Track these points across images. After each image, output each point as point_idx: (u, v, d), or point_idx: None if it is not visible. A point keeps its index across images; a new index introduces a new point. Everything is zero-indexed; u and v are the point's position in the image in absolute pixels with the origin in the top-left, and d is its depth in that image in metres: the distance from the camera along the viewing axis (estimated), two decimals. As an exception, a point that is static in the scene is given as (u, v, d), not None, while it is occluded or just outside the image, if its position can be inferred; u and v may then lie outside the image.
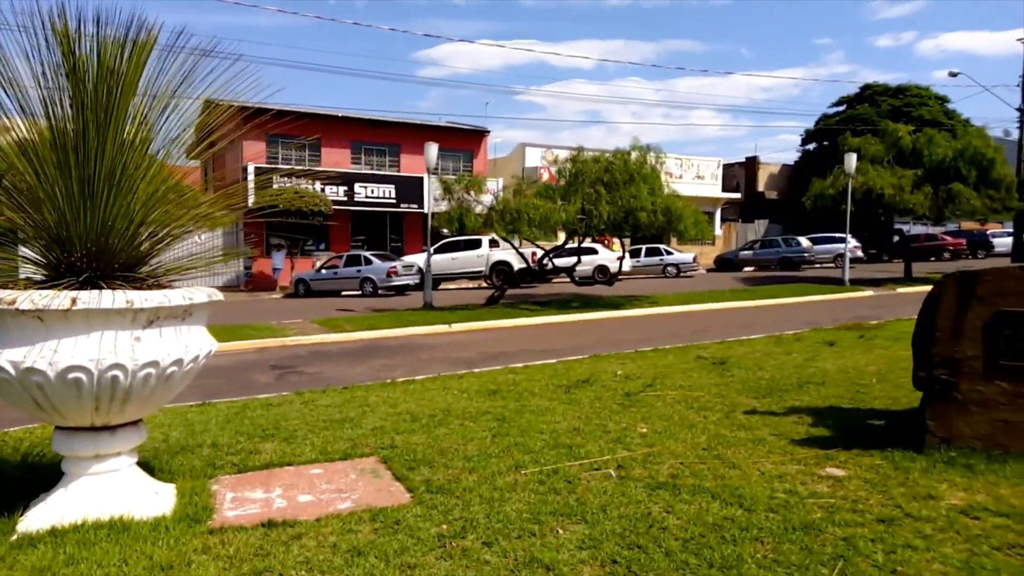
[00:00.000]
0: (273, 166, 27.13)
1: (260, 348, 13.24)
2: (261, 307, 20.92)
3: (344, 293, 24.19)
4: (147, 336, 3.53)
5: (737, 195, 40.34)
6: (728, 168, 42.50)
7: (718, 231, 39.59)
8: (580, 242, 21.11)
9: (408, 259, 25.30)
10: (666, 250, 30.37)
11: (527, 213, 16.79)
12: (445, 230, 20.51)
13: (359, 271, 23.57)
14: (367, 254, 24.18)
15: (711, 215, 38.92)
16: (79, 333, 3.36)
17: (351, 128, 28.83)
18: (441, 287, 26.35)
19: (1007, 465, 4.27)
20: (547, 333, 14.18)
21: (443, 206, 18.43)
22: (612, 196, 17.32)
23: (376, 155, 29.58)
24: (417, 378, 8.30)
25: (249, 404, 6.90)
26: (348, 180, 27.61)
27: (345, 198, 27.58)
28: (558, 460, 4.70)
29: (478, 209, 18.00)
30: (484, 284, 25.58)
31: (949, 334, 4.57)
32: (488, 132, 31.81)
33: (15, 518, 3.60)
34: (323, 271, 24.59)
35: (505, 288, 19.42)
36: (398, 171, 29.75)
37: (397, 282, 23.17)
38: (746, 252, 33.86)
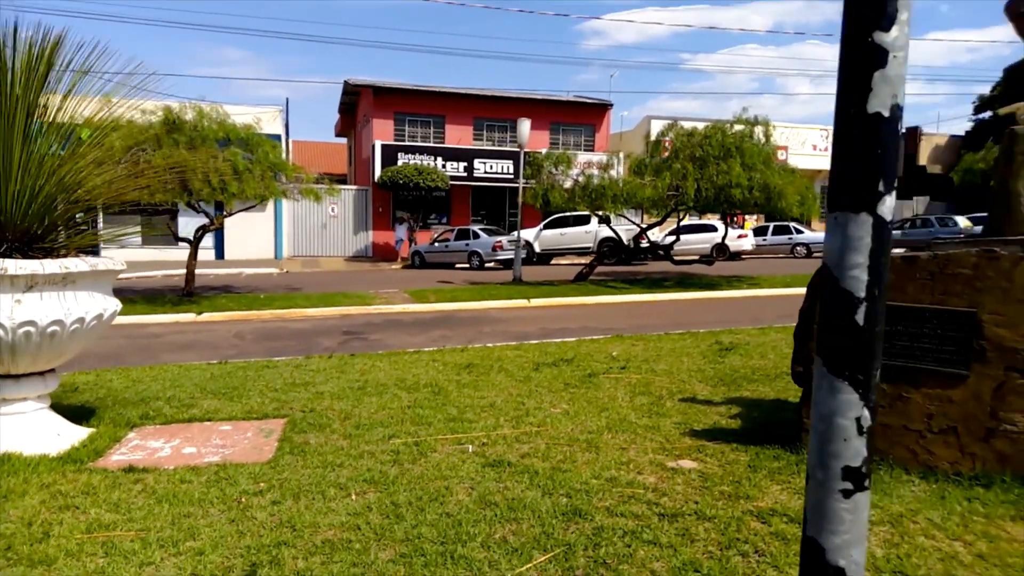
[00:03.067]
0: (399, 143, 28.51)
1: (344, 315, 14.19)
2: (373, 276, 22.25)
3: (457, 266, 25.09)
4: (27, 299, 4.13)
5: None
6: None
7: (867, 208, 36.56)
8: (680, 219, 20.50)
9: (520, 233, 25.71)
10: (796, 228, 28.62)
11: (611, 190, 16.60)
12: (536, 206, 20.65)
13: (467, 244, 24.34)
14: (476, 228, 24.87)
15: (859, 191, 36.04)
16: (-37, 295, 4.01)
17: (474, 105, 29.52)
18: (552, 263, 26.60)
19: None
20: (617, 312, 14.06)
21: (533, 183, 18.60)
22: (703, 172, 16.68)
23: (498, 131, 30.11)
24: (426, 349, 8.70)
25: (252, 365, 7.60)
26: (468, 156, 28.40)
27: (465, 174, 28.42)
28: (440, 432, 4.89)
29: (567, 184, 17.99)
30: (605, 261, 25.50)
31: (827, 328, 4.22)
32: (611, 106, 31.34)
33: (-62, 446, 4.38)
34: (436, 244, 25.62)
35: (595, 265, 19.31)
36: (518, 147, 30.09)
37: (502, 256, 23.68)
38: (895, 232, 30.93)
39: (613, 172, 17.74)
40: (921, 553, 3.04)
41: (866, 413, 1.09)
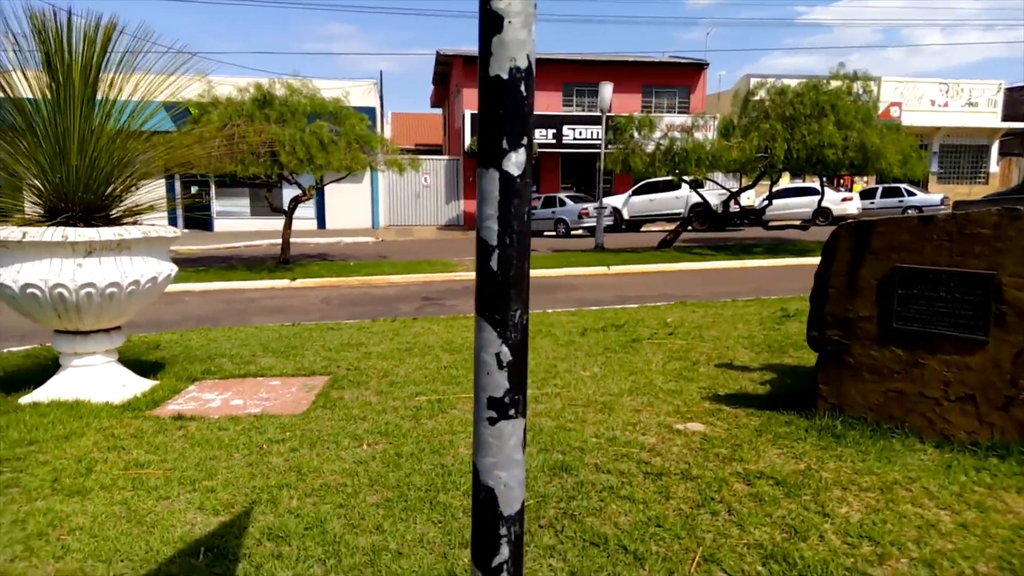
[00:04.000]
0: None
1: (426, 282, 14.67)
2: (461, 245, 22.70)
3: (545, 233, 25.19)
4: (87, 263, 4.61)
5: (1021, 125, 33.84)
6: (1016, 93, 35.73)
7: (994, 168, 33.82)
8: (773, 182, 19.73)
9: (606, 201, 25.48)
10: (907, 191, 26.82)
11: (694, 153, 16.17)
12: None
13: (553, 212, 24.38)
14: (562, 195, 24.85)
15: (984, 149, 33.37)
16: (32, 259, 4.52)
17: (562, 70, 29.24)
18: (643, 230, 26.23)
19: (880, 441, 3.82)
20: (696, 279, 13.82)
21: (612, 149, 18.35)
22: (793, 132, 15.96)
23: (587, 96, 29.72)
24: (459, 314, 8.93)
25: (318, 327, 8.07)
26: (556, 123, 28.25)
27: (553, 141, 28.31)
28: (465, 391, 5.09)
29: (650, 148, 17.65)
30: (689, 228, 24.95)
31: (843, 291, 4.09)
32: (706, 65, 30.25)
33: (22, 392, 4.98)
34: (523, 212, 25.72)
35: (680, 232, 18.92)
36: (610, 111, 29.64)
37: (588, 223, 23.56)
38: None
39: (699, 135, 17.26)
40: (899, 520, 2.97)
41: (505, 349, 1.18)
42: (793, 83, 16.87)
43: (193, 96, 15.75)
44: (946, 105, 31.75)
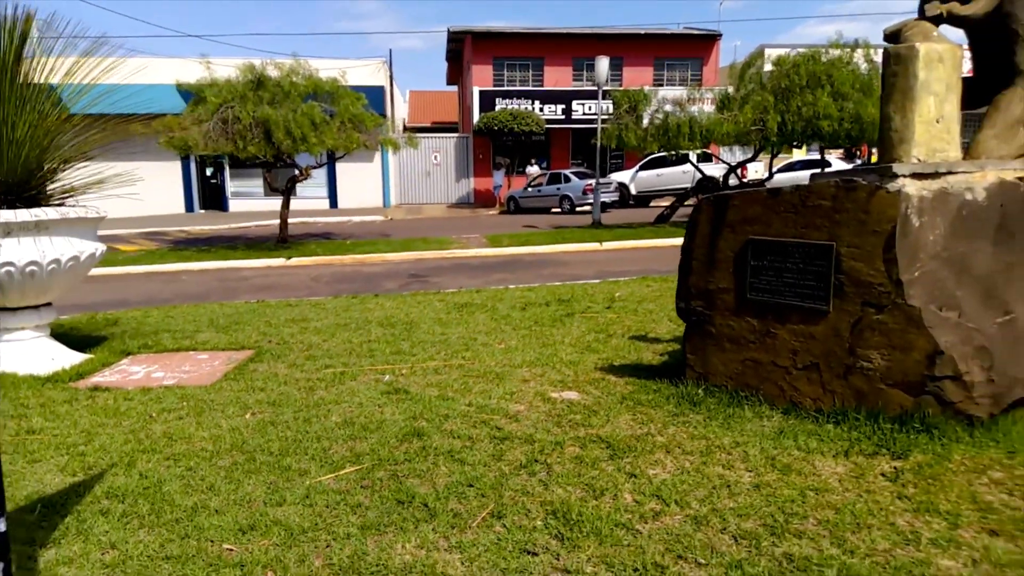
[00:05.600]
0: (497, 88, 28.69)
1: (418, 259, 14.89)
2: (466, 222, 22.89)
3: (553, 210, 25.22)
4: (6, 243, 4.89)
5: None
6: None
7: None
8: (774, 155, 19.48)
9: (613, 176, 25.42)
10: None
11: (685, 127, 16.06)
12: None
13: (559, 188, 24.39)
14: (568, 172, 24.81)
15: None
16: (-47, 241, 4.81)
17: (573, 44, 29.04)
18: (651, 205, 26.08)
19: (732, 408, 3.92)
20: (680, 253, 13.80)
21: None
22: (788, 104, 15.74)
23: (597, 70, 29.42)
24: (449, 290, 9.13)
25: (278, 303, 8.34)
26: (566, 98, 28.13)
27: (563, 116, 28.22)
28: (376, 363, 5.30)
29: (645, 122, 17.55)
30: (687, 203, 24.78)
31: (704, 263, 4.17)
32: (719, 36, 29.74)
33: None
34: (529, 189, 25.81)
35: (677, 207, 18.85)
36: (620, 85, 29.43)
37: (593, 199, 23.49)
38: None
39: (695, 108, 17.11)
40: (699, 481, 3.10)
41: None
42: (785, 52, 16.59)
43: (195, 79, 16.18)
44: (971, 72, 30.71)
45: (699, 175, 23.96)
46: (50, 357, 5.36)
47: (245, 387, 4.80)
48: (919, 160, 3.58)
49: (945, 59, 3.57)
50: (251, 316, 7.44)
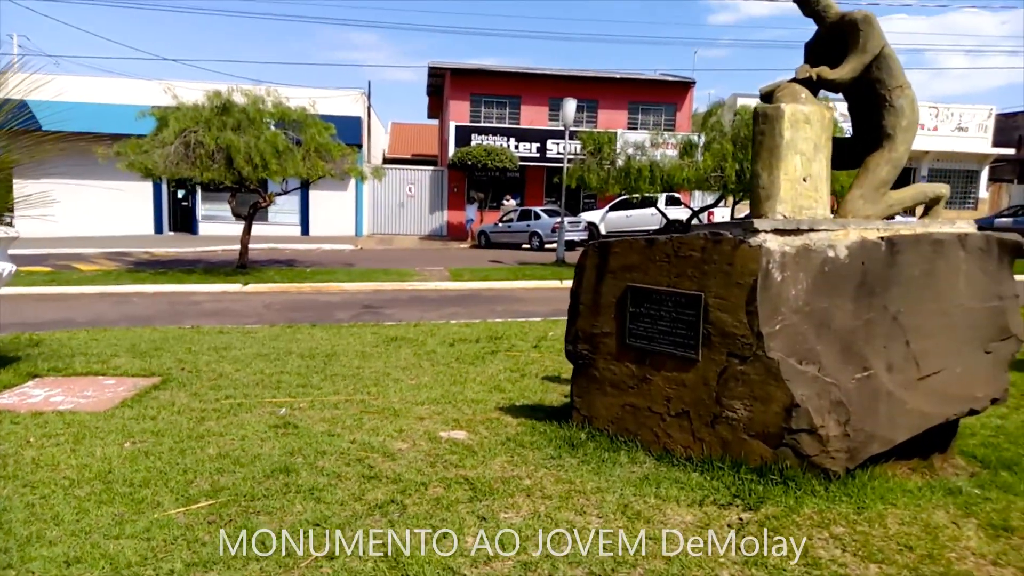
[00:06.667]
0: (474, 124, 29.01)
1: (376, 290, 14.86)
2: (434, 254, 22.92)
3: (523, 246, 25.35)
4: (-95, 262, 4.85)
5: (1011, 151, 33.52)
6: (1009, 119, 35.47)
7: (983, 193, 33.56)
8: (736, 201, 19.80)
9: (584, 216, 25.66)
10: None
11: (646, 171, 16.31)
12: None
13: (528, 225, 24.56)
14: (538, 209, 25.02)
15: (973, 174, 33.14)
16: None
17: (550, 85, 29.48)
18: (620, 244, 26.26)
19: (608, 453, 3.94)
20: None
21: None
22: (746, 153, 16.05)
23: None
24: (389, 323, 9.13)
25: (209, 330, 8.28)
26: (541, 137, 28.48)
27: (537, 154, 28.53)
28: (279, 395, 5.27)
29: (619, 164, 17.79)
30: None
31: (590, 307, 4.23)
32: (693, 84, 30.35)
33: None
34: (500, 224, 25.97)
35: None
36: (595, 127, 29.89)
37: (564, 237, 23.66)
38: (1003, 219, 28.12)
39: (659, 152, 17.40)
40: (546, 524, 3.10)
41: None
42: (746, 103, 16.97)
43: (163, 102, 16.25)
44: (936, 129, 31.56)
45: (670, 217, 24.34)
46: (-53, 377, 5.28)
47: (137, 415, 4.75)
48: (784, 217, 3.67)
49: (812, 120, 3.68)
50: (176, 342, 7.38)
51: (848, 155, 4.11)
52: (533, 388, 5.55)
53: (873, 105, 3.93)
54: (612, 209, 25.91)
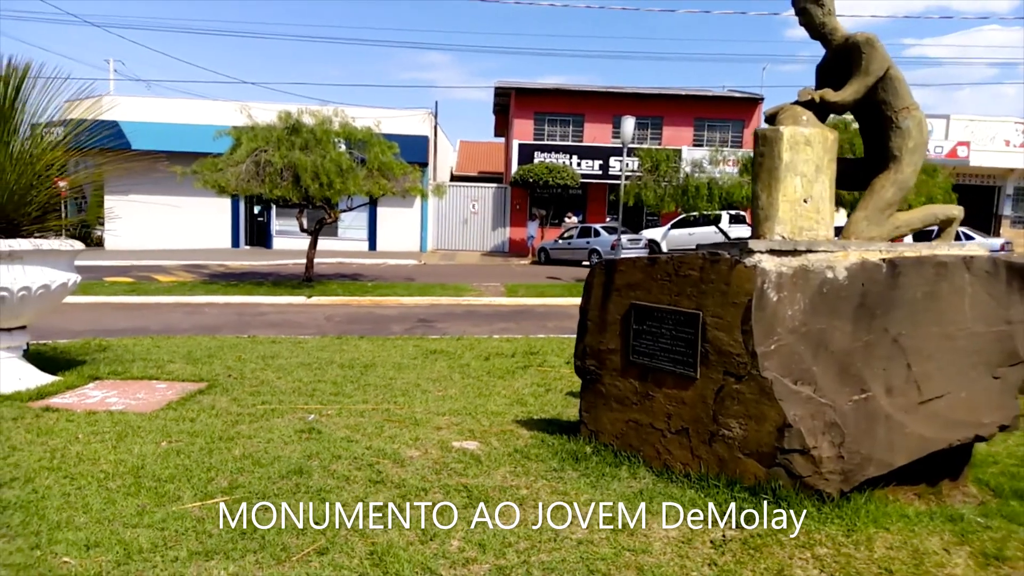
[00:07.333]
0: (537, 142, 29.33)
1: (432, 304, 15.24)
2: (494, 270, 23.25)
3: (584, 263, 25.42)
4: (-22, 272, 5.36)
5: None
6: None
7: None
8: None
9: (645, 233, 25.56)
10: (965, 234, 25.52)
11: (703, 188, 16.19)
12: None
13: (588, 242, 24.61)
14: (598, 226, 25.04)
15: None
16: (-67, 266, 5.31)
17: (614, 103, 29.54)
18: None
19: (610, 468, 4.02)
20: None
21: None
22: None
23: (637, 128, 29.76)
24: (432, 336, 9.40)
25: (258, 339, 8.72)
26: (603, 154, 28.55)
27: (600, 172, 28.60)
28: (313, 402, 5.55)
29: (675, 182, 17.74)
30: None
31: (597, 324, 4.32)
32: (761, 100, 29.88)
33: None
34: (560, 241, 26.11)
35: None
36: (659, 144, 29.76)
37: (621, 254, 23.63)
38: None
39: (718, 170, 17.25)
40: (532, 532, 3.22)
41: None
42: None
43: (240, 122, 17.14)
44: (1022, 145, 30.05)
45: (733, 235, 23.96)
46: (17, 377, 5.77)
47: (178, 416, 5.09)
48: (783, 237, 3.70)
49: (813, 142, 3.71)
50: (229, 350, 7.81)
51: (858, 176, 4.09)
52: (554, 403, 5.66)
53: (880, 126, 3.91)
54: (674, 227, 25.69)
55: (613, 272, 4.20)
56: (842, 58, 3.92)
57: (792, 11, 4.15)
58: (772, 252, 3.57)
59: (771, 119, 3.91)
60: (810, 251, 3.60)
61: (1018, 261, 3.73)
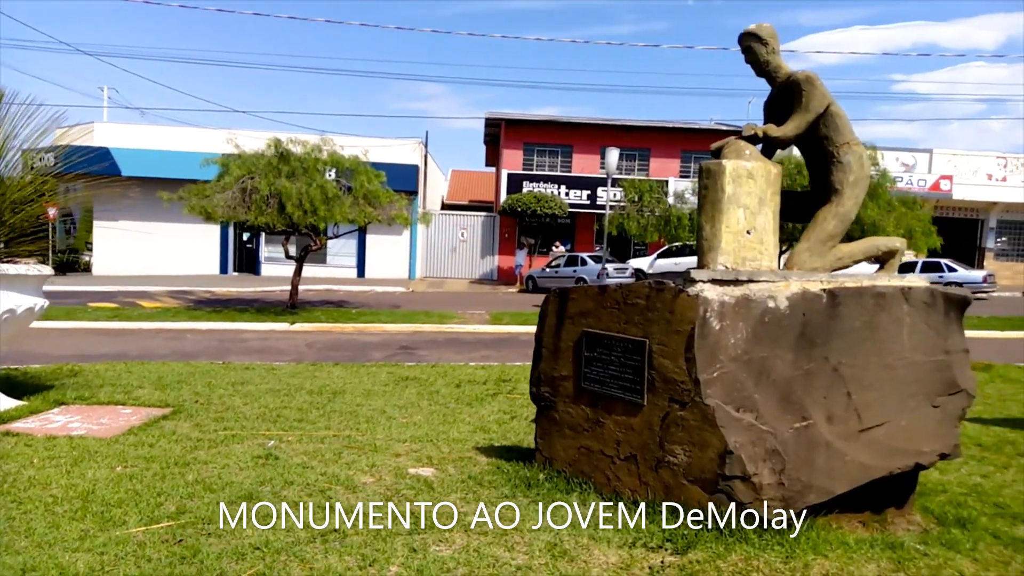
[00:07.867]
0: (526, 172, 29.60)
1: (415, 331, 15.24)
2: (480, 298, 23.30)
3: (571, 292, 25.53)
4: (-53, 295, 5.38)
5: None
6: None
7: (1061, 245, 32.09)
8: (782, 251, 19.50)
9: (631, 262, 25.72)
10: (948, 266, 25.80)
11: (684, 218, 16.35)
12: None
13: (575, 271, 24.74)
14: (584, 255, 25.20)
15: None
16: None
17: (602, 134, 29.93)
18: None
19: (560, 495, 4.04)
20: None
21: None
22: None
23: (625, 159, 30.17)
24: (408, 364, 9.42)
25: (231, 365, 8.71)
26: (591, 184, 28.82)
27: (588, 202, 28.85)
28: (276, 429, 5.55)
29: (657, 212, 17.93)
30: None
31: (551, 351, 4.37)
32: (747, 133, 30.27)
33: None
34: (547, 269, 26.25)
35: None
36: (647, 175, 30.08)
37: (607, 282, 23.75)
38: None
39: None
40: (471, 559, 3.22)
41: None
42: (790, 153, 16.89)
43: (229, 150, 17.27)
44: (1004, 179, 30.49)
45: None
46: (-20, 402, 5.77)
47: (137, 442, 5.09)
48: (726, 267, 3.77)
49: (756, 176, 3.80)
50: (200, 376, 7.80)
51: (803, 209, 4.18)
52: (517, 430, 5.68)
53: (823, 161, 4.01)
54: (660, 256, 25.88)
55: (566, 300, 4.26)
56: (785, 95, 4.03)
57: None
58: (715, 281, 3.63)
59: (716, 153, 4.00)
60: (752, 281, 3.66)
61: (955, 293, 3.81)
